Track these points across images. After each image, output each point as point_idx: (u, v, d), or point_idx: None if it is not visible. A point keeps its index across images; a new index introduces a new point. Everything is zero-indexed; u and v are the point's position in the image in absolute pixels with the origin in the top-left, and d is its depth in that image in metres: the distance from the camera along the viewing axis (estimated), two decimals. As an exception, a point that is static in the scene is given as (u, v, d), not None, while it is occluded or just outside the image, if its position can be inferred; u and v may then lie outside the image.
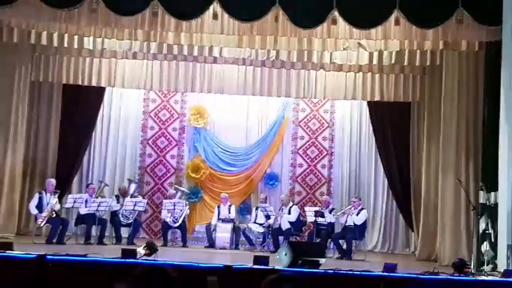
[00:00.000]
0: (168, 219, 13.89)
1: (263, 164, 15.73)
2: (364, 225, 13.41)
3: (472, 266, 10.58)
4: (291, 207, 14.18)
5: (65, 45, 13.05)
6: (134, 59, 14.11)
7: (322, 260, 9.78)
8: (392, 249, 15.13)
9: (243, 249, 13.85)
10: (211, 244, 13.93)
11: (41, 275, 7.35)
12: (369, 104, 15.04)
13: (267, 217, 14.13)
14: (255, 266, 8.94)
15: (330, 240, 13.42)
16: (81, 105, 15.04)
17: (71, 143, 14.92)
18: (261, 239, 14.23)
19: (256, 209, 14.54)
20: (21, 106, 13.87)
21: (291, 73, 14.48)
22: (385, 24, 11.32)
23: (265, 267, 8.91)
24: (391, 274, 8.84)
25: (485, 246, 11.35)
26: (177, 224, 13.92)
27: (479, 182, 12.10)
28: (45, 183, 13.62)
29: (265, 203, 14.55)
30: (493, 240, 11.26)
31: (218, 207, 14.55)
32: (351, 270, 9.15)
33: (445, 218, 12.74)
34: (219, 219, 14.20)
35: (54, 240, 12.70)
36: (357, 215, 13.30)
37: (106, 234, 13.60)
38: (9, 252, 9.09)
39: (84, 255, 9.23)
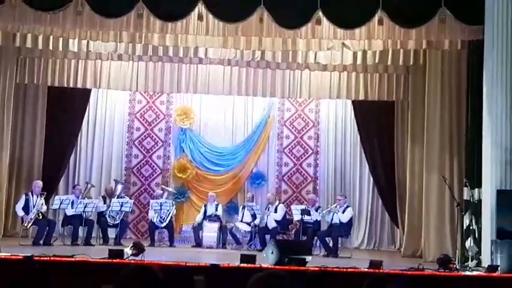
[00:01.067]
0: (155, 220, 13.92)
1: (249, 164, 15.79)
2: (349, 222, 13.50)
3: (456, 262, 10.73)
4: (277, 205, 14.24)
5: (50, 47, 13.05)
6: (120, 60, 14.14)
7: (308, 258, 9.88)
8: (378, 246, 15.23)
9: (230, 248, 13.89)
10: (198, 243, 13.97)
11: (28, 276, 7.37)
12: (354, 103, 15.13)
13: (254, 216, 14.19)
14: (242, 265, 9.03)
15: (316, 238, 13.49)
16: (67, 107, 15.03)
17: (57, 145, 14.92)
18: (248, 238, 14.28)
19: (243, 208, 14.59)
20: (6, 108, 13.86)
21: (276, 73, 14.54)
22: (369, 24, 11.42)
23: (252, 265, 9.00)
24: (377, 271, 8.95)
25: (469, 242, 11.49)
26: (164, 224, 13.95)
27: (463, 179, 12.24)
28: (31, 185, 13.62)
29: (252, 202, 14.61)
30: (477, 236, 11.40)
31: (205, 206, 14.60)
32: (337, 268, 9.26)
33: (429, 214, 12.88)
34: (205, 217, 14.25)
35: (41, 242, 12.69)
36: (343, 212, 13.38)
37: (93, 235, 13.61)
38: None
39: (71, 256, 9.29)
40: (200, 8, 11.34)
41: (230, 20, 11.47)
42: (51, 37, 12.66)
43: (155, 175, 15.80)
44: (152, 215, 14.00)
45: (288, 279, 3.43)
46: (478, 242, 11.34)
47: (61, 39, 12.76)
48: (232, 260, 9.56)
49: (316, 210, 13.81)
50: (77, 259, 9.23)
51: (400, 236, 14.64)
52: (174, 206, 14.40)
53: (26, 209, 13.06)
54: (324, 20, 11.39)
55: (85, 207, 13.40)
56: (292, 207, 14.15)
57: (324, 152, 15.88)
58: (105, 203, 14.00)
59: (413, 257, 13.08)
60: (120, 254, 9.36)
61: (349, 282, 8.29)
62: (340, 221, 13.32)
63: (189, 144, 15.77)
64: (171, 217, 14.11)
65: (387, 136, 14.86)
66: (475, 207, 11.52)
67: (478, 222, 11.40)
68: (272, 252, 9.87)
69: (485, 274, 9.76)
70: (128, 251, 9.65)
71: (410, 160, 13.80)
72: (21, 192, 14.04)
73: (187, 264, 8.53)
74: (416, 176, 13.57)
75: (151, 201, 14.32)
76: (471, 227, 11.57)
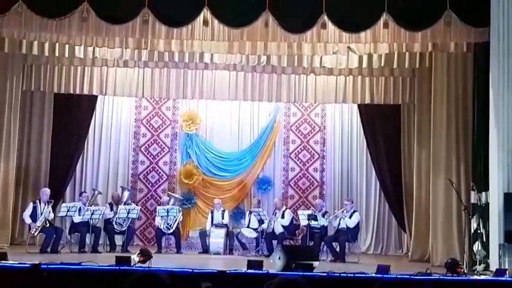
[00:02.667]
0: (161, 226, 13.92)
1: (255, 169, 15.78)
2: (357, 227, 13.48)
3: (464, 266, 10.68)
4: (284, 211, 14.22)
5: (56, 54, 13.09)
6: (125, 66, 14.17)
7: (315, 263, 9.85)
8: (385, 251, 15.19)
9: (237, 254, 13.89)
10: (205, 250, 13.96)
11: (36, 284, 7.39)
12: (360, 107, 15.10)
13: (261, 221, 14.15)
14: (249, 271, 9.00)
15: (323, 243, 13.46)
16: (73, 114, 15.06)
17: (64, 152, 14.94)
18: (255, 244, 14.26)
19: (250, 213, 14.56)
20: (13, 116, 13.88)
21: (282, 78, 14.54)
22: (374, 28, 11.41)
23: (259, 271, 8.97)
24: (385, 276, 8.91)
25: (477, 246, 11.45)
26: (171, 231, 13.94)
27: (470, 183, 12.21)
28: (38, 193, 13.64)
29: (258, 207, 14.57)
30: (484, 239, 11.35)
31: (211, 212, 14.59)
32: (344, 273, 9.22)
33: (437, 218, 12.84)
34: (212, 224, 14.23)
35: (48, 249, 12.73)
36: (350, 217, 13.36)
37: (100, 242, 13.63)
38: (3, 262, 9.13)
39: (79, 264, 9.27)
40: (205, 13, 11.35)
41: (235, 25, 11.48)
42: (57, 44, 12.68)
43: (162, 181, 15.81)
44: (159, 222, 14.00)
45: (306, 285, 3.40)
46: (485, 245, 11.29)
47: (67, 46, 12.78)
48: (239, 266, 9.53)
49: (323, 216, 13.78)
50: (84, 266, 9.22)
51: (407, 241, 14.60)
52: (181, 213, 14.39)
53: (34, 216, 13.08)
54: (329, 24, 11.38)
55: (92, 214, 13.41)
56: (299, 212, 14.13)
57: (330, 157, 15.86)
58: (112, 210, 14.01)
59: (420, 261, 13.03)
60: (127, 260, 9.34)
61: (357, 287, 8.25)
62: (347, 226, 13.30)
63: (195, 149, 15.77)
64: (178, 223, 14.11)
65: (393, 140, 14.82)
66: (482, 211, 11.48)
67: (486, 225, 11.35)
68: (279, 258, 9.84)
69: (493, 278, 9.71)
70: (135, 257, 9.63)
71: (417, 164, 13.75)
72: (28, 199, 14.06)
73: (194, 270, 8.52)
74: (423, 180, 13.53)
75: (158, 207, 14.32)
76: (479, 231, 11.53)
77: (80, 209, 13.45)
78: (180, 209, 14.49)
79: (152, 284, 3.43)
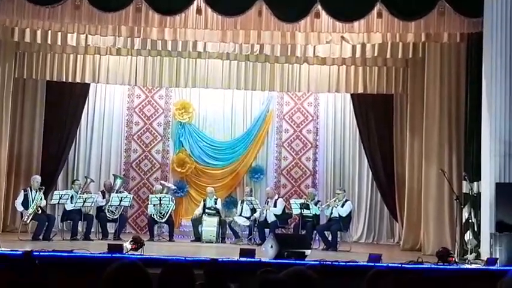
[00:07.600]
0: (154, 214, 13.91)
1: (248, 158, 15.78)
2: (349, 216, 13.50)
3: (455, 255, 10.75)
4: (276, 200, 14.23)
5: (49, 42, 13.07)
6: (118, 54, 14.11)
7: (307, 252, 9.90)
8: (377, 240, 15.24)
9: (229, 243, 13.91)
10: (198, 238, 13.97)
11: (28, 271, 7.38)
12: (353, 96, 15.11)
13: (253, 210, 14.17)
14: (242, 259, 9.04)
15: (315, 232, 13.49)
16: (66, 102, 15.03)
17: (56, 140, 14.93)
18: (247, 232, 14.28)
19: (242, 202, 14.58)
20: (5, 103, 13.83)
21: (275, 67, 14.51)
22: (368, 17, 11.42)
23: (252, 259, 9.01)
24: (376, 264, 8.96)
25: (468, 235, 11.50)
26: (164, 220, 13.94)
27: (462, 172, 12.26)
28: (30, 180, 13.62)
29: (251, 196, 14.58)
30: (476, 229, 11.41)
31: (204, 200, 14.59)
32: (336, 261, 9.27)
33: (428, 208, 12.91)
34: (204, 212, 14.23)
35: (41, 237, 12.70)
36: (342, 206, 13.38)
37: (92, 230, 13.60)
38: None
39: (71, 251, 9.30)
40: (199, 1, 11.35)
41: (229, 13, 11.46)
42: (49, 31, 12.65)
43: (154, 170, 15.79)
44: (151, 210, 13.99)
45: (314, 277, 3.40)
46: (477, 235, 11.35)
47: (59, 33, 12.75)
48: (232, 254, 9.57)
49: (315, 204, 13.81)
50: (76, 254, 9.25)
51: (399, 230, 14.66)
52: (174, 202, 14.37)
53: (25, 204, 13.07)
54: (323, 13, 11.39)
55: (84, 202, 13.39)
56: (291, 201, 14.13)
57: (322, 146, 15.87)
58: (104, 197, 13.99)
59: (412, 250, 13.10)
60: (119, 248, 9.38)
61: (349, 275, 8.29)
62: (339, 214, 13.32)
63: (188, 138, 15.75)
64: (171, 212, 14.10)
65: (386, 129, 14.86)
66: (474, 201, 11.54)
67: (477, 215, 11.41)
68: (271, 246, 9.89)
69: (484, 267, 9.78)
70: (127, 245, 9.66)
71: (409, 153, 13.80)
72: (20, 187, 14.03)
73: (186, 258, 8.54)
74: (415, 170, 13.58)
75: (150, 195, 14.30)
76: (470, 220, 11.59)
77: (72, 197, 13.43)
78: (173, 198, 14.48)
79: (133, 275, 3.37)
